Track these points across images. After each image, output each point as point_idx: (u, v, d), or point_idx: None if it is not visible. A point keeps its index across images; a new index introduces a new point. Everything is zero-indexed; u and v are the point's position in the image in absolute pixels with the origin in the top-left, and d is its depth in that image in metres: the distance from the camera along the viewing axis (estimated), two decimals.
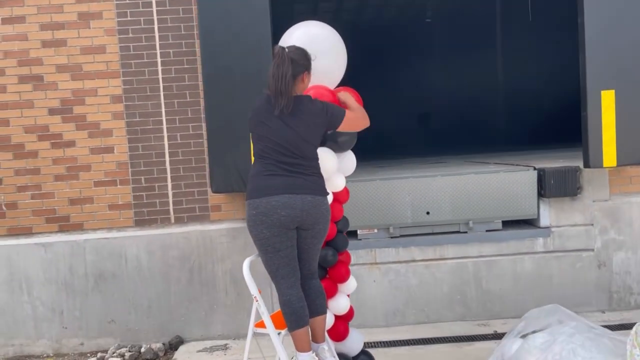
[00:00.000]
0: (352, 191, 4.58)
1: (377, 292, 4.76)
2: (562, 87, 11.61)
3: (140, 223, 4.70)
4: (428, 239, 4.77)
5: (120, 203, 4.68)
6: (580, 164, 4.71)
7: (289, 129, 2.82)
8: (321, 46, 3.15)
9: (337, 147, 3.30)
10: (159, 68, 4.63)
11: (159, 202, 4.69)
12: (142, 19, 4.61)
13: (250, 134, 2.96)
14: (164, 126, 4.66)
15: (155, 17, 4.61)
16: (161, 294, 4.67)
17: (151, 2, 4.60)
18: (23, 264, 4.60)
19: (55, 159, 4.64)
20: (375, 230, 4.76)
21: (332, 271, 3.35)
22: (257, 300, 2.87)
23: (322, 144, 3.27)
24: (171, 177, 4.68)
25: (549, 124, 12.67)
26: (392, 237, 4.76)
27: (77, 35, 4.59)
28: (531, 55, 15.30)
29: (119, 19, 4.60)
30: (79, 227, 4.68)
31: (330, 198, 3.21)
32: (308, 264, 2.97)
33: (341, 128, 2.99)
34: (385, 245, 4.75)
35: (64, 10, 4.57)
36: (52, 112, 4.62)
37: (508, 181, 4.75)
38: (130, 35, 4.61)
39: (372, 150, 10.23)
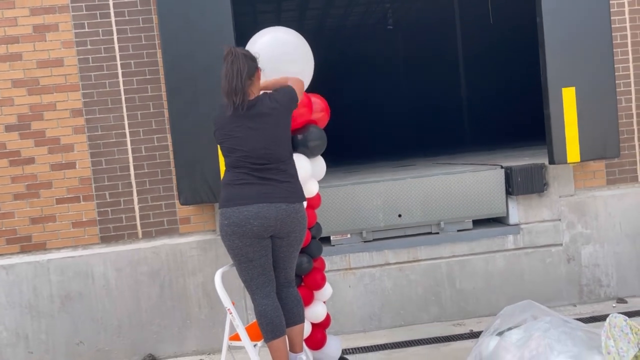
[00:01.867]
0: (323, 197, 4.57)
1: (353, 297, 4.73)
2: (524, 87, 11.85)
3: (106, 240, 4.56)
4: (401, 241, 4.77)
5: (84, 220, 4.53)
6: (545, 160, 4.79)
7: (258, 134, 2.78)
8: (289, 51, 3.13)
9: (309, 152, 3.27)
10: (120, 79, 4.52)
11: (125, 217, 4.56)
12: (100, 29, 4.48)
13: (219, 146, 2.90)
14: (128, 139, 4.54)
15: (114, 28, 4.49)
16: (131, 311, 4.54)
17: (109, 13, 4.48)
18: None
19: (14, 177, 4.47)
20: (349, 235, 4.73)
21: (308, 278, 3.30)
22: (230, 313, 2.80)
23: (294, 150, 3.24)
24: (137, 190, 4.56)
25: (512, 123, 12.92)
26: (365, 242, 4.74)
27: (33, 48, 4.44)
28: (492, 56, 15.61)
29: (76, 31, 4.47)
30: (41, 247, 4.51)
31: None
32: (284, 272, 2.91)
33: (300, 96, 2.97)
34: (359, 250, 4.72)
35: (18, 23, 4.42)
36: (8, 128, 4.45)
37: (476, 181, 4.79)
38: (89, 46, 4.48)
39: (339, 156, 10.24)
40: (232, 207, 2.73)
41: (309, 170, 3.20)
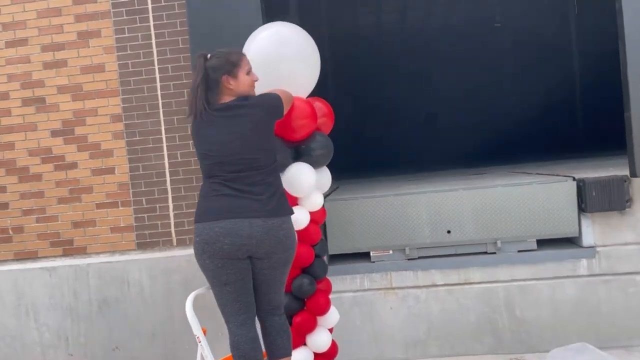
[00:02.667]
0: (362, 209, 4.22)
1: (395, 320, 4.29)
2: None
3: (142, 246, 4.52)
4: (450, 260, 4.25)
5: (122, 225, 4.52)
6: None
7: (234, 137, 2.50)
8: (287, 49, 2.82)
9: (313, 161, 2.94)
10: (158, 84, 4.46)
11: (161, 223, 4.49)
12: (139, 34, 4.46)
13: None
14: (164, 144, 4.47)
15: (152, 32, 4.45)
16: (165, 320, 4.45)
17: (148, 17, 4.44)
18: (29, 289, 4.53)
19: (58, 181, 4.56)
20: (390, 252, 4.30)
21: (310, 302, 2.96)
22: (200, 342, 2.53)
23: (297, 159, 2.92)
24: (172, 197, 4.47)
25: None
26: (409, 259, 4.28)
27: (77, 54, 4.51)
28: (611, 54, 14.03)
29: (117, 36, 4.47)
30: (82, 251, 4.57)
31: (306, 219, 2.85)
32: (268, 297, 2.59)
33: (286, 109, 2.70)
34: (402, 268, 4.27)
35: (64, 30, 4.51)
36: (54, 134, 4.56)
37: (542, 194, 4.14)
38: (129, 52, 4.47)
39: (425, 161, 9.68)
40: (202, 223, 2.48)
41: (313, 181, 2.86)
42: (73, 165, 4.55)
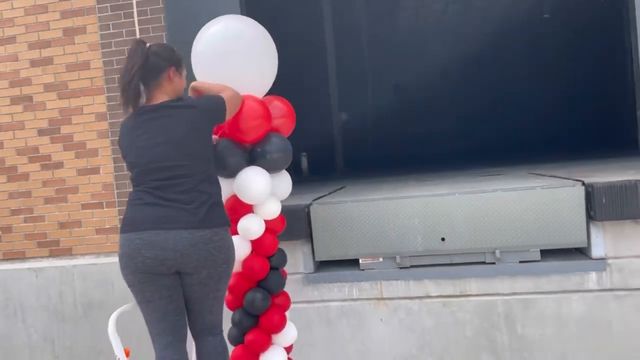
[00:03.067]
0: (351, 213, 3.95)
1: (385, 333, 4.01)
2: None
3: None
4: (445, 270, 3.93)
5: (107, 227, 4.41)
6: None
7: (161, 142, 2.28)
8: (237, 43, 2.58)
9: (268, 165, 2.70)
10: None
11: None
12: (124, 30, 4.33)
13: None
14: None
15: (137, 28, 4.30)
16: None
17: (132, 12, 4.30)
18: (17, 289, 4.49)
19: (45, 181, 4.50)
20: (380, 259, 4.02)
21: (264, 318, 2.73)
22: None
23: (252, 163, 2.70)
24: None
25: None
26: (400, 268, 3.99)
27: (63, 52, 4.42)
28: None
29: (102, 32, 4.36)
30: (68, 252, 4.49)
31: (261, 228, 2.61)
32: (202, 316, 2.37)
33: (229, 116, 2.42)
34: (393, 277, 3.98)
35: (50, 27, 4.43)
36: (41, 132, 4.49)
37: (546, 200, 3.76)
38: (113, 48, 4.35)
39: (451, 159, 9.27)
40: (124, 234, 2.28)
41: (268, 187, 2.62)
42: (59, 165, 4.47)
